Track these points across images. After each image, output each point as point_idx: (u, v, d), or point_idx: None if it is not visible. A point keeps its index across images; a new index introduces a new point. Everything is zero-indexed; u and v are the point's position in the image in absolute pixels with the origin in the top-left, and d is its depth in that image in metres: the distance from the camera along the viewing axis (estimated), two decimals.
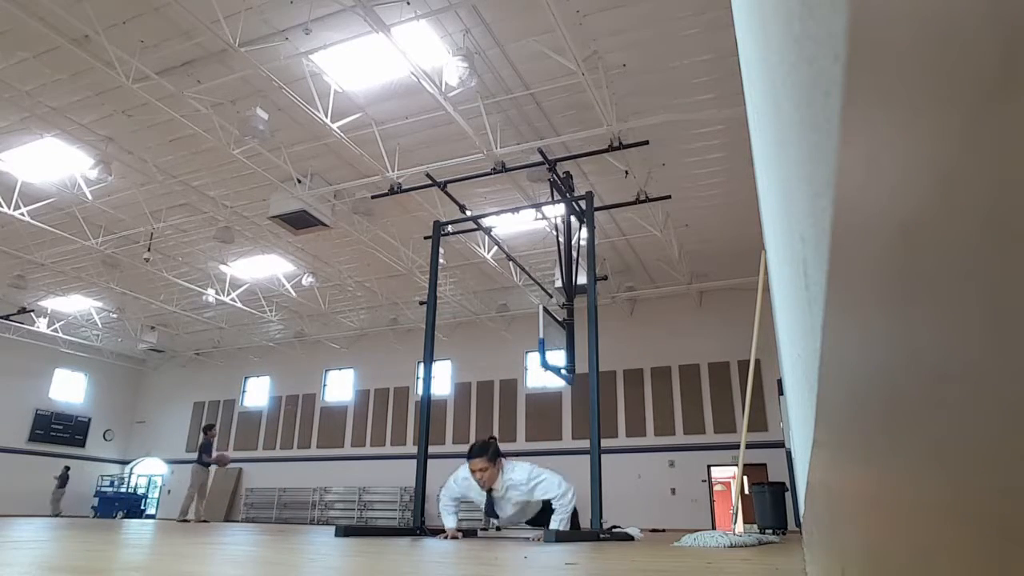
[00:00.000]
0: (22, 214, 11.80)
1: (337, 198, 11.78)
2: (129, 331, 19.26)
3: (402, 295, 16.34)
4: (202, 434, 13.48)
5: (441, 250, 8.44)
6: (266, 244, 13.81)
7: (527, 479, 5.12)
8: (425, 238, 10.00)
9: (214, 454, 13.05)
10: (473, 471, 5.13)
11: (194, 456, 21.55)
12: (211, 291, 15.61)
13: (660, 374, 15.79)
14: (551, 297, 11.54)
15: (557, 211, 9.75)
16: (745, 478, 11.33)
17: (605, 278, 13.69)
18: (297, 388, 20.45)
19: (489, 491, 5.15)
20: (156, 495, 21.87)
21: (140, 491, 22.01)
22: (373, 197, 10.97)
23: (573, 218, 9.07)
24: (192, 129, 9.40)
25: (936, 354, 0.26)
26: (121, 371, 22.52)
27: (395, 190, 10.63)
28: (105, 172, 10.17)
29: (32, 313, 17.71)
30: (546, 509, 5.28)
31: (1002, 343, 0.19)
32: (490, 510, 5.22)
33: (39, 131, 10.06)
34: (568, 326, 8.08)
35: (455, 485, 5.37)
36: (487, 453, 5.12)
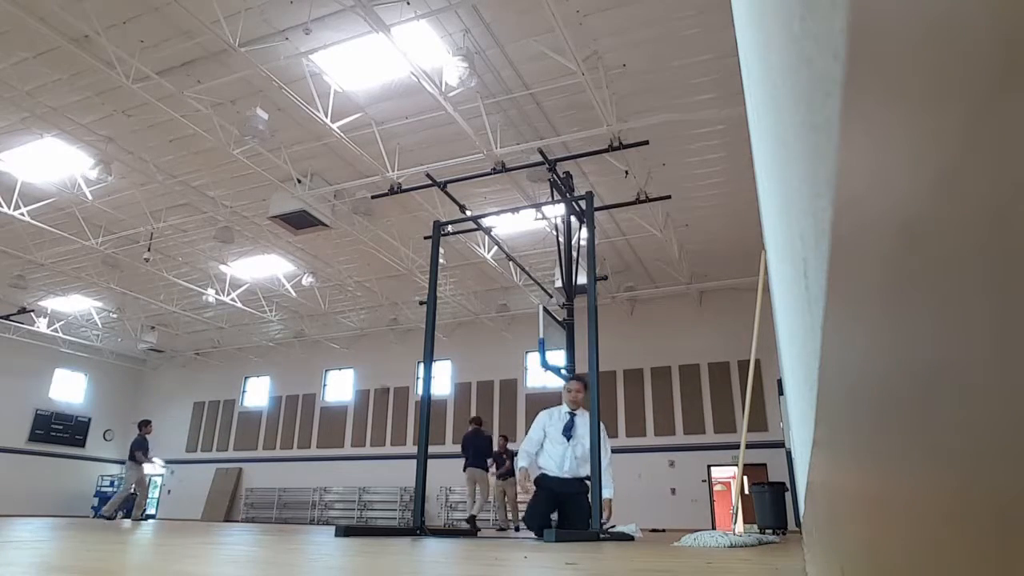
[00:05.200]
0: (22, 214, 11.80)
1: (337, 198, 11.77)
2: (129, 331, 19.25)
3: (402, 295, 16.34)
4: (137, 430, 12.86)
5: (441, 250, 8.43)
6: (266, 244, 13.80)
7: (599, 425, 5.95)
8: (425, 238, 9.99)
9: (149, 454, 12.71)
10: (570, 391, 6.14)
11: (194, 456, 21.58)
12: (211, 291, 15.61)
13: (660, 374, 15.79)
14: (551, 297, 11.53)
15: (557, 211, 9.74)
16: (745, 478, 11.33)
17: (605, 278, 13.64)
18: (297, 388, 20.44)
19: (572, 414, 6.05)
20: (156, 495, 21.85)
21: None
22: (373, 197, 10.97)
23: (573, 218, 9.06)
24: (192, 129, 9.40)
25: (936, 354, 0.26)
26: (121, 371, 22.51)
27: (395, 190, 10.63)
28: (105, 172, 10.17)
29: (32, 313, 17.70)
30: (582, 505, 5.81)
31: (1002, 342, 0.19)
32: (569, 430, 5.98)
33: (39, 131, 10.06)
34: (568, 326, 8.08)
35: (543, 418, 6.14)
36: (584, 380, 6.22)
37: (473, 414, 17.52)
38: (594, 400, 6.21)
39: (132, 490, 12.65)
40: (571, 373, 7.57)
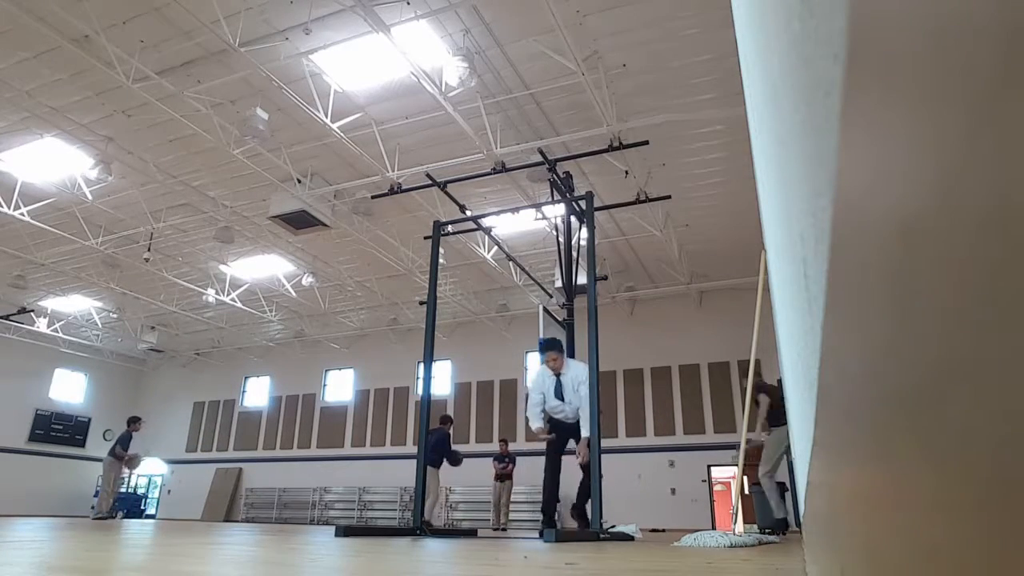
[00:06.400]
0: (22, 214, 11.80)
1: (337, 198, 11.77)
2: (129, 331, 19.25)
3: (402, 295, 16.34)
4: (126, 424, 12.62)
5: (441, 250, 8.42)
6: (266, 244, 13.80)
7: (582, 370, 6.51)
8: (425, 238, 10.00)
9: (130, 451, 12.28)
10: (548, 361, 6.55)
11: (193, 456, 21.56)
12: (211, 291, 15.61)
13: (660, 374, 15.78)
14: (551, 297, 11.52)
15: (557, 211, 9.74)
16: (745, 478, 11.31)
17: (605, 278, 13.68)
18: (297, 388, 20.44)
19: (558, 376, 6.55)
20: (156, 495, 21.87)
21: (140, 491, 22.00)
22: (373, 197, 10.97)
23: (573, 218, 9.06)
24: (192, 129, 9.40)
25: (935, 353, 0.26)
26: (121, 371, 22.51)
27: (395, 190, 10.62)
28: (105, 172, 10.17)
29: (32, 313, 17.70)
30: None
31: (1001, 342, 0.19)
32: (559, 393, 6.54)
33: (39, 131, 10.06)
34: (568, 326, 8.08)
35: (538, 379, 6.69)
36: (556, 347, 6.64)
37: (474, 414, 17.59)
38: (594, 401, 6.22)
39: (120, 485, 12.50)
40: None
